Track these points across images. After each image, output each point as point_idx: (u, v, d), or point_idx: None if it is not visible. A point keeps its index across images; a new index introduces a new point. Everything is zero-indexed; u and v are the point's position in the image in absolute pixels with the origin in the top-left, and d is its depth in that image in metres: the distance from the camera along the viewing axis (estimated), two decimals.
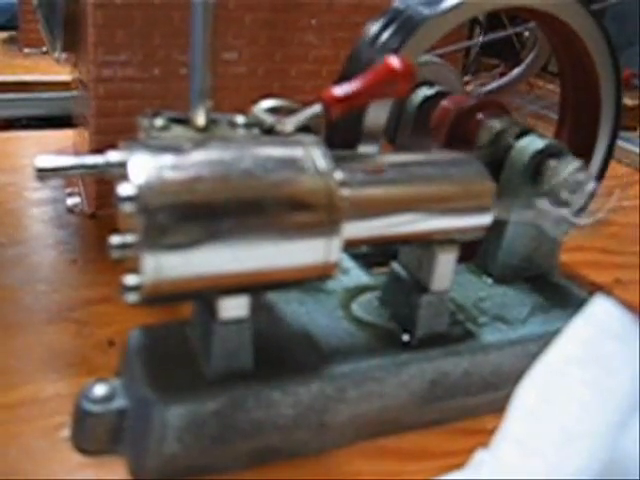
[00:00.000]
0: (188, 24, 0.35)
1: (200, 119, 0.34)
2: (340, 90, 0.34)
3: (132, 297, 0.29)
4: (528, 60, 0.73)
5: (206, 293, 0.30)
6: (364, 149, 0.41)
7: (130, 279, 0.29)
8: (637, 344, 0.29)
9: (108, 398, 0.33)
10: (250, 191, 0.29)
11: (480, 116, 0.45)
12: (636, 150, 0.78)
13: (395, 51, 0.40)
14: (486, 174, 0.36)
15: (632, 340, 0.29)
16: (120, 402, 0.33)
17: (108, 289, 0.45)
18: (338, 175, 0.30)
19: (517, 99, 0.81)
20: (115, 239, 0.30)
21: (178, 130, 0.34)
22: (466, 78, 1.02)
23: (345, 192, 0.30)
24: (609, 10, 1.10)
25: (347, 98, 0.34)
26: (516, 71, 0.74)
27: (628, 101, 0.94)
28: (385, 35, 0.42)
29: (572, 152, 0.42)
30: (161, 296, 0.29)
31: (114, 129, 0.53)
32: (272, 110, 0.36)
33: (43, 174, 0.33)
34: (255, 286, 0.30)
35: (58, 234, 0.53)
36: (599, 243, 0.60)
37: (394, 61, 0.33)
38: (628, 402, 0.28)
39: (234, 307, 0.31)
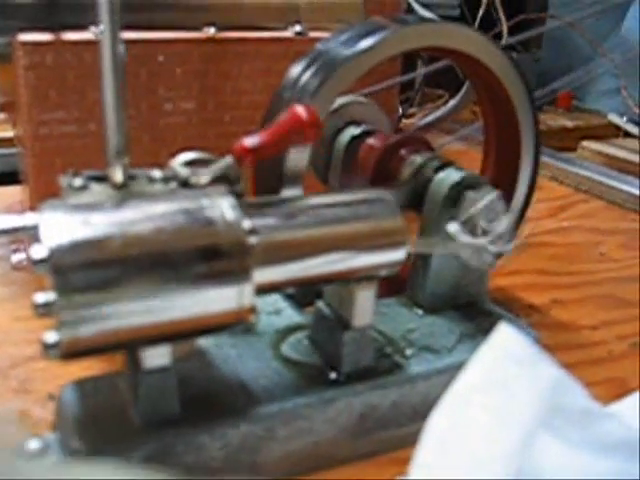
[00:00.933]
0: None
1: (118, 176, 0.35)
2: (250, 141, 0.35)
3: (52, 353, 0.30)
4: (462, 91, 0.76)
5: (125, 346, 0.31)
6: (287, 192, 0.43)
7: (49, 336, 0.30)
8: (537, 366, 0.30)
9: (41, 452, 0.34)
10: (160, 245, 0.30)
11: (403, 152, 0.47)
12: (575, 171, 0.81)
13: (314, 93, 0.42)
14: (396, 211, 0.37)
15: (532, 363, 0.30)
16: (53, 457, 0.33)
17: None
18: (246, 224, 0.32)
19: (458, 126, 0.84)
20: (40, 297, 0.31)
21: (96, 189, 0.35)
22: (412, 110, 1.05)
23: (253, 239, 0.32)
24: (546, 36, 1.14)
25: (257, 149, 0.35)
26: (451, 102, 0.77)
27: (568, 122, 0.97)
28: (305, 76, 0.44)
29: (496, 184, 0.44)
30: (80, 351, 0.30)
31: (53, 187, 0.54)
32: (190, 163, 0.38)
33: None
34: (174, 335, 0.32)
35: (3, 291, 0.54)
36: (537, 265, 0.62)
37: (299, 110, 0.35)
38: (530, 423, 0.29)
39: (156, 356, 0.32)
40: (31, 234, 0.32)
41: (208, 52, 0.57)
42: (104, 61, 0.34)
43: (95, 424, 0.33)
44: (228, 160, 0.35)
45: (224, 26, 0.59)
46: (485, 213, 0.42)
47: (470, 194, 0.42)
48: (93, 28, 0.54)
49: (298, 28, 0.60)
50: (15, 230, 0.33)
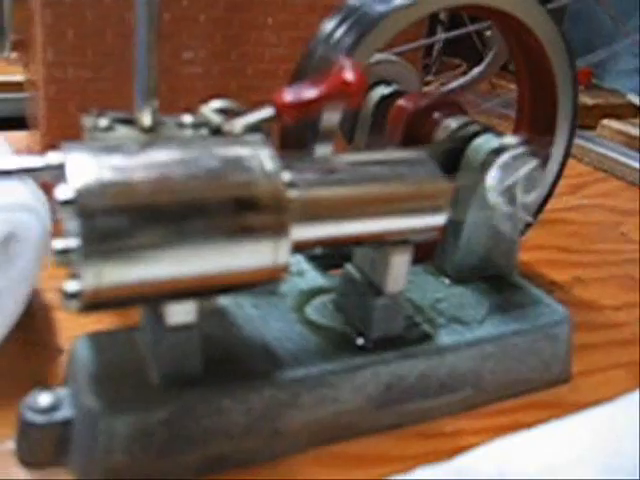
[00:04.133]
0: None
1: (146, 120, 0.33)
2: (293, 96, 0.33)
3: (73, 304, 0.28)
4: (488, 59, 0.73)
5: (150, 299, 0.29)
6: (318, 150, 0.41)
7: (70, 285, 0.28)
8: None
9: (53, 408, 0.32)
10: (194, 193, 0.28)
11: (436, 115, 0.45)
12: (595, 149, 0.79)
13: (350, 49, 0.40)
14: (440, 174, 0.35)
15: None
16: (66, 412, 0.32)
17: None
18: (286, 176, 0.30)
19: (478, 99, 0.81)
20: (58, 243, 0.29)
21: (123, 131, 0.33)
22: (428, 77, 1.02)
23: (293, 193, 0.30)
24: (567, 10, 1.11)
25: (299, 105, 0.33)
26: (476, 70, 0.74)
27: (587, 100, 0.95)
28: (339, 32, 0.41)
29: (530, 151, 0.42)
30: (102, 303, 0.28)
31: (66, 131, 0.52)
32: (221, 111, 0.36)
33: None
34: (202, 291, 0.30)
35: None
36: (559, 242, 0.61)
37: (347, 72, 0.33)
38: None
39: (181, 313, 0.30)
40: (54, 175, 0.30)
41: (233, 0, 0.55)
42: None
43: (111, 381, 0.31)
44: (268, 112, 0.33)
45: None
46: (523, 182, 0.40)
47: (508, 160, 0.40)
48: None
49: None
50: (37, 170, 0.31)
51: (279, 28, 0.57)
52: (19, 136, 0.69)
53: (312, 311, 0.38)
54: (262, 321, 0.36)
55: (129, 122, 0.34)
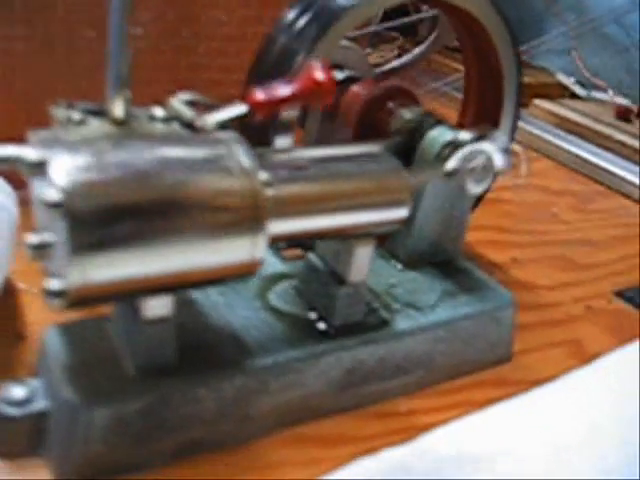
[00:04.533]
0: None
1: (118, 111, 0.33)
2: (265, 95, 0.34)
3: (57, 302, 0.28)
4: (430, 39, 0.75)
5: (131, 295, 0.30)
6: (279, 141, 0.42)
7: (53, 284, 0.28)
8: None
9: (27, 400, 0.32)
10: (175, 191, 0.28)
11: (391, 105, 0.46)
12: (528, 128, 0.82)
13: (313, 41, 0.41)
14: (402, 169, 0.37)
15: None
16: (40, 404, 0.32)
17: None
18: (262, 175, 0.31)
19: (419, 76, 0.83)
20: (33, 238, 0.29)
21: (95, 124, 0.33)
22: (366, 50, 1.03)
23: (269, 192, 0.31)
24: None
25: (272, 103, 0.34)
26: (418, 50, 0.75)
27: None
28: (301, 23, 0.42)
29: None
30: (85, 300, 0.28)
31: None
32: (190, 103, 0.36)
33: None
34: (181, 286, 0.31)
35: None
36: (496, 222, 0.64)
37: (318, 73, 0.34)
38: None
39: (158, 306, 0.31)
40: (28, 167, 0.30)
41: None
42: None
43: (86, 373, 0.32)
44: (242, 109, 0.34)
45: None
46: (476, 171, 0.42)
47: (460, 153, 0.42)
48: None
49: None
50: (10, 160, 0.31)
51: (230, 7, 0.56)
52: None
53: (274, 297, 0.39)
54: (228, 308, 0.38)
55: (100, 113, 0.34)
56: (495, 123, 0.52)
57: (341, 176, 0.35)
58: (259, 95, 0.34)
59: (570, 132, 0.83)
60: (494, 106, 0.51)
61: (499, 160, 0.41)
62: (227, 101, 0.35)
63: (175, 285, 0.30)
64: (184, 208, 0.29)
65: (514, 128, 0.52)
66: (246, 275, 0.31)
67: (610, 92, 0.94)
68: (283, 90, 0.34)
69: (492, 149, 0.41)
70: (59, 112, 0.34)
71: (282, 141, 0.42)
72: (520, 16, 1.15)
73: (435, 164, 0.42)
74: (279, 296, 0.39)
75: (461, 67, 0.54)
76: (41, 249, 0.30)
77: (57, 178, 0.27)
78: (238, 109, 0.34)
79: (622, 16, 0.97)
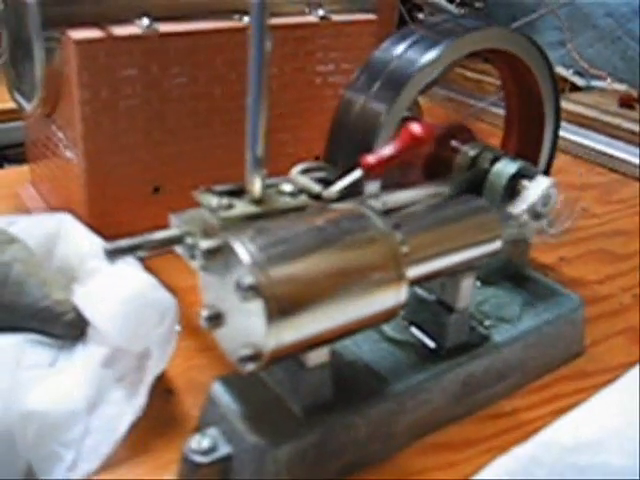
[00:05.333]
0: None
1: (257, 189, 0.39)
2: (375, 158, 0.40)
3: (250, 366, 0.34)
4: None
5: (307, 350, 0.36)
6: (368, 188, 0.47)
7: (244, 350, 0.34)
8: None
9: (213, 449, 0.38)
10: (341, 260, 0.35)
11: (454, 143, 0.52)
12: None
13: (391, 101, 0.47)
14: (490, 207, 0.43)
15: None
16: (224, 450, 0.38)
17: None
18: (398, 236, 0.37)
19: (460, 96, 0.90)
20: (205, 312, 0.36)
21: (240, 206, 0.39)
22: None
23: (405, 248, 0.37)
24: None
25: (381, 164, 0.40)
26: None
27: None
28: (376, 86, 0.48)
29: (521, 158, 0.50)
30: (274, 360, 0.34)
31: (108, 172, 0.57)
32: (305, 171, 0.42)
33: (113, 256, 0.38)
34: (343, 336, 0.37)
35: None
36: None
37: (416, 129, 0.40)
38: None
39: (319, 356, 0.37)
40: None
41: (241, 41, 0.59)
42: (250, 57, 0.37)
43: (261, 417, 0.38)
44: (357, 174, 0.40)
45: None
46: (541, 199, 0.48)
47: (526, 182, 0.48)
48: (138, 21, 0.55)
49: (321, 12, 0.63)
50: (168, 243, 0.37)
51: (279, 61, 0.62)
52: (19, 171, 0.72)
53: (388, 329, 0.45)
54: (354, 344, 0.44)
55: (237, 193, 0.40)
56: (536, 148, 0.58)
57: (447, 222, 0.41)
58: (370, 159, 0.40)
59: (580, 125, 0.89)
60: (535, 132, 0.57)
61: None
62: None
63: (339, 336, 0.36)
64: (347, 274, 0.35)
65: (553, 152, 0.58)
66: (392, 317, 0.38)
67: (608, 80, 1.00)
68: (388, 150, 0.40)
69: (551, 183, 0.48)
70: (204, 197, 0.40)
71: (371, 187, 0.47)
72: (513, 14, 1.22)
73: (503, 195, 0.49)
74: (392, 327, 0.46)
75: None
76: (214, 321, 0.36)
77: (248, 264, 0.32)
78: (354, 175, 0.40)
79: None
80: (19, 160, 0.88)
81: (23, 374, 0.42)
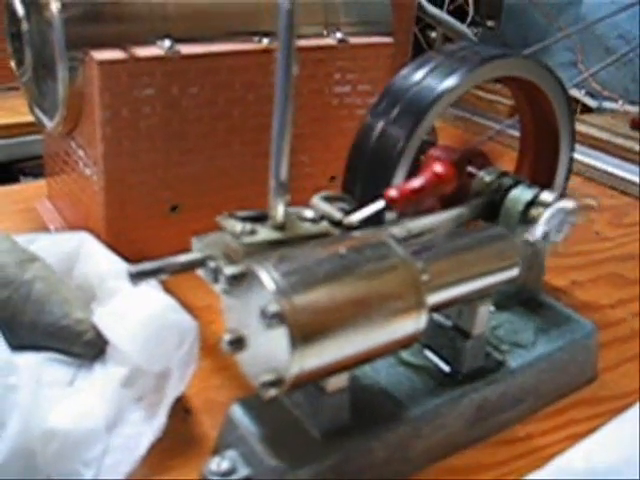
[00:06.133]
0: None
1: (279, 216, 0.40)
2: (398, 192, 0.41)
3: (272, 392, 0.35)
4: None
5: (327, 375, 0.36)
6: (388, 215, 0.48)
7: (266, 376, 0.34)
8: None
9: (232, 471, 0.38)
10: (362, 288, 0.35)
11: (470, 168, 0.53)
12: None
13: (411, 127, 0.47)
14: (508, 235, 0.44)
15: None
16: (243, 472, 0.38)
17: None
18: (419, 264, 0.37)
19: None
20: (227, 336, 0.36)
21: (263, 232, 0.40)
22: None
23: (425, 277, 0.38)
24: (505, 9, 1.21)
25: (404, 198, 0.41)
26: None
27: None
28: (395, 112, 0.49)
29: (534, 181, 0.51)
30: (296, 385, 0.35)
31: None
32: (326, 199, 0.43)
33: (137, 279, 0.39)
34: (364, 362, 0.37)
35: None
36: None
37: (440, 168, 0.41)
38: None
39: (339, 381, 0.38)
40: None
41: (260, 63, 0.60)
42: (277, 81, 0.37)
43: (280, 440, 0.39)
44: (380, 205, 0.40)
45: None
46: (557, 225, 0.49)
47: (541, 209, 0.49)
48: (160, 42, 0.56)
49: (339, 35, 0.64)
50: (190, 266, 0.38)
51: (298, 83, 0.63)
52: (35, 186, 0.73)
53: (405, 353, 0.46)
54: (370, 368, 0.44)
55: (259, 219, 0.41)
56: (551, 171, 0.58)
57: (466, 250, 0.42)
58: (393, 192, 0.41)
59: (592, 147, 0.90)
60: (550, 156, 0.58)
61: (577, 215, 0.48)
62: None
63: (359, 363, 0.37)
64: (368, 302, 0.35)
65: (568, 176, 0.59)
66: (411, 344, 0.38)
67: (620, 102, 1.01)
68: (412, 186, 0.41)
69: (570, 206, 0.48)
70: (227, 222, 0.41)
71: (390, 215, 0.48)
72: (525, 34, 1.23)
73: (519, 221, 0.49)
74: (408, 351, 0.46)
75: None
76: (236, 344, 0.37)
77: (273, 291, 0.33)
78: (377, 205, 0.41)
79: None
80: (36, 174, 0.89)
81: (43, 392, 0.42)
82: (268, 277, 0.34)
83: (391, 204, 0.41)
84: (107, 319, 0.45)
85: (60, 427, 0.40)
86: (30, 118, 0.66)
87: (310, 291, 0.34)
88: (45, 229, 0.66)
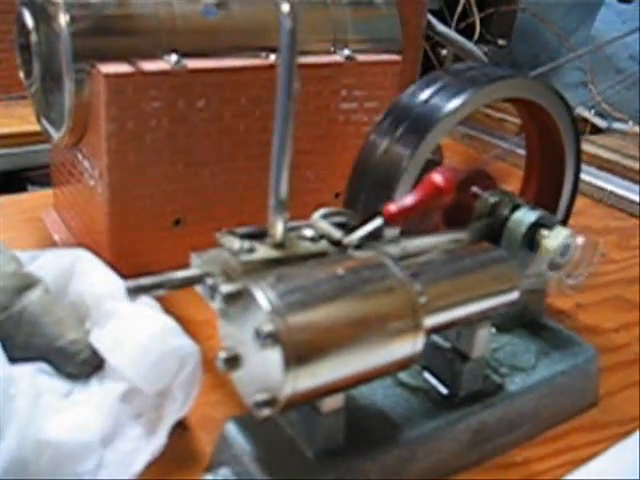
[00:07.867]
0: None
1: (278, 234, 0.39)
2: (396, 207, 0.40)
3: (265, 412, 0.34)
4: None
5: (321, 397, 0.36)
6: (388, 232, 0.48)
7: (260, 396, 0.34)
8: None
9: None
10: (359, 309, 0.35)
11: (474, 189, 0.53)
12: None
13: (415, 145, 0.47)
14: (508, 258, 0.43)
15: None
16: None
17: None
18: (417, 287, 0.37)
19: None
20: (223, 354, 0.36)
21: (262, 250, 0.40)
22: None
23: (423, 299, 0.37)
24: (515, 28, 1.21)
25: (402, 213, 0.40)
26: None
27: None
28: (400, 130, 0.49)
29: (540, 202, 0.51)
30: (289, 405, 0.35)
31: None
32: (326, 216, 0.43)
33: (134, 294, 0.38)
34: (359, 383, 0.37)
35: None
36: None
37: (438, 179, 0.40)
38: None
39: (334, 401, 0.37)
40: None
41: (267, 78, 0.60)
42: (277, 100, 0.37)
43: (273, 459, 0.38)
44: (378, 222, 0.40)
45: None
46: (561, 250, 0.48)
47: (545, 232, 0.49)
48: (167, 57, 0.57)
49: (347, 52, 0.64)
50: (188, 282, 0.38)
51: (306, 99, 0.63)
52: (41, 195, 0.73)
53: (402, 374, 0.46)
54: (367, 388, 0.44)
55: (258, 236, 0.41)
56: (557, 193, 0.58)
57: (465, 272, 0.41)
58: (392, 208, 0.40)
59: (600, 168, 0.90)
60: (555, 177, 0.58)
61: (581, 242, 0.48)
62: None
63: (355, 384, 0.37)
64: (365, 323, 0.35)
65: (574, 198, 0.59)
66: (408, 366, 0.38)
67: (630, 122, 1.01)
68: (410, 200, 0.41)
69: (575, 235, 0.48)
70: (226, 239, 0.40)
71: (390, 232, 0.48)
72: (535, 52, 1.23)
73: (522, 244, 0.49)
74: (406, 372, 0.46)
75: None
76: (231, 363, 0.36)
77: (268, 311, 0.33)
78: (375, 223, 0.41)
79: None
80: (42, 183, 0.90)
81: (39, 403, 0.42)
82: (263, 296, 0.34)
83: (390, 220, 0.40)
84: (106, 342, 0.45)
85: (54, 438, 0.40)
86: (37, 127, 0.66)
87: (306, 311, 0.34)
88: (51, 239, 0.67)
